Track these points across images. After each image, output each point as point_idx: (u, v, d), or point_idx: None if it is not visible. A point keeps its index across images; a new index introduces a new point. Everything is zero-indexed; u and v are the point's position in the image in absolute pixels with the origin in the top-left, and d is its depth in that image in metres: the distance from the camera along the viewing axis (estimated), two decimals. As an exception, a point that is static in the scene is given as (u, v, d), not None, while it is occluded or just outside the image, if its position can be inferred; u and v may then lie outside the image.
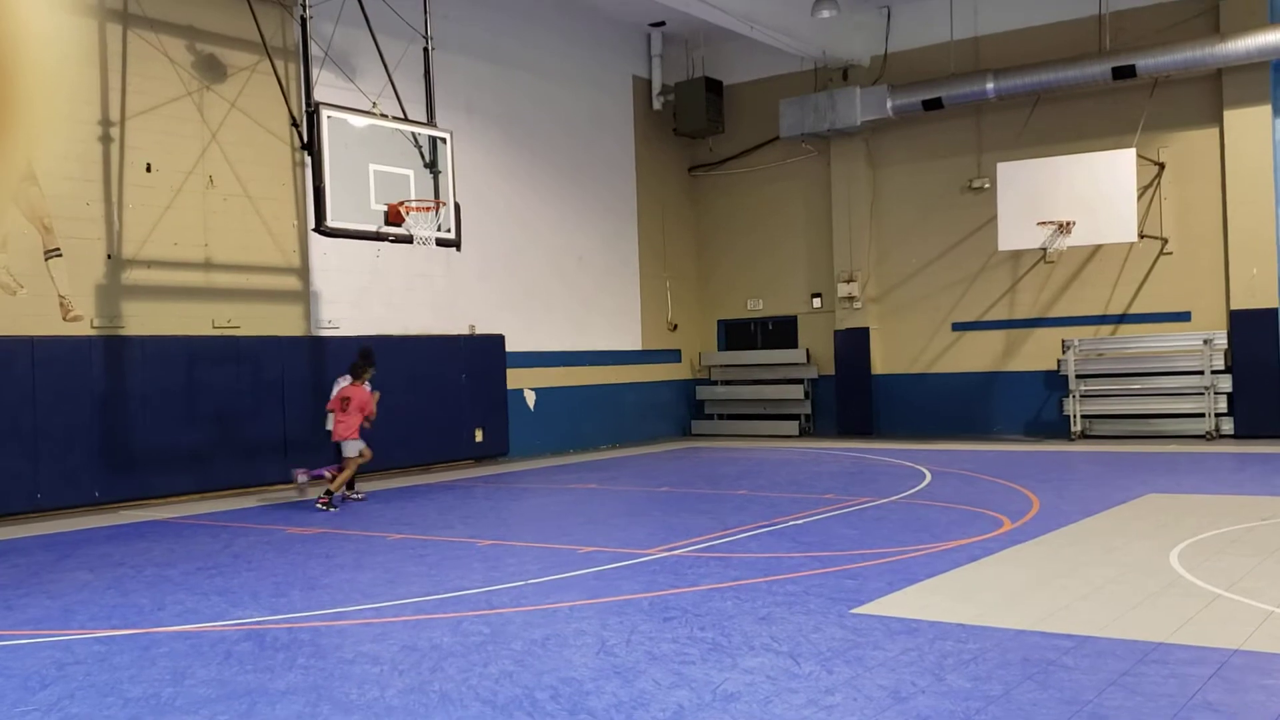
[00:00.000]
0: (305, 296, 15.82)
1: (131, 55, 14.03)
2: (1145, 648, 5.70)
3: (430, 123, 14.83)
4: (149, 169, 14.15)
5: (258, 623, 7.09)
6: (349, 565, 9.09)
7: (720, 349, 23.39)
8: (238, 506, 13.38)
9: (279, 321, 15.40)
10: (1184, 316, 18.43)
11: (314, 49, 14.17)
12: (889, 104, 19.92)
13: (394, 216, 13.81)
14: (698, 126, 22.04)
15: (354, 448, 13.01)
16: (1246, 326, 17.73)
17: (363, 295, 16.48)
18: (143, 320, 13.97)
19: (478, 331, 18.14)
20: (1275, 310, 17.55)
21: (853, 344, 21.25)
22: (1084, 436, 18.85)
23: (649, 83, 22.20)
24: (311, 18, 13.89)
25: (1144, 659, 5.50)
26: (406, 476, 16.31)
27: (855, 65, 20.98)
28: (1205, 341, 17.93)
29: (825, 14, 17.96)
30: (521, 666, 5.81)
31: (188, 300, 14.47)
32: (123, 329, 13.79)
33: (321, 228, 13.44)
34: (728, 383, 22.96)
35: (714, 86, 22.04)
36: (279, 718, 5.10)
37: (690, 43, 22.06)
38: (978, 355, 20.16)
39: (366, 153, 13.85)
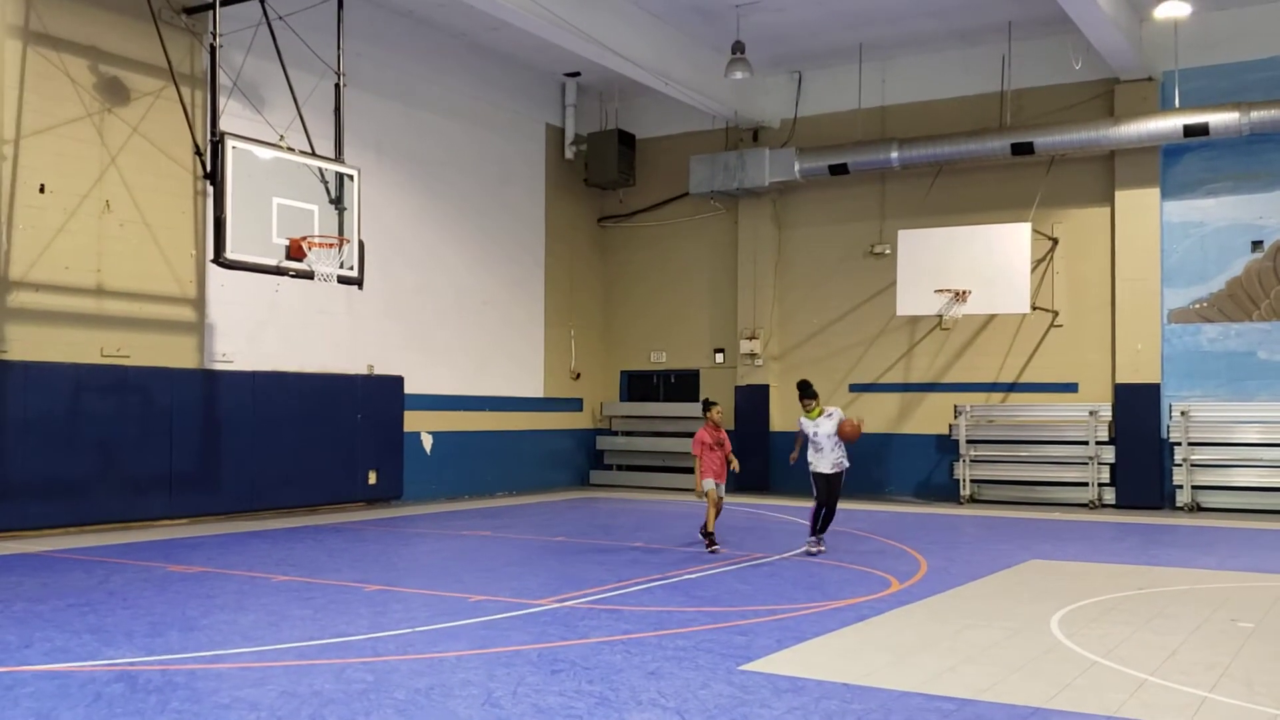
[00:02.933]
0: (200, 328, 15.44)
1: (30, 73, 13.66)
2: (1024, 712, 5.80)
3: (338, 159, 14.71)
4: (42, 189, 13.74)
5: (130, 663, 6.83)
6: (230, 606, 8.83)
7: (622, 399, 23.41)
8: (117, 541, 12.92)
9: (171, 352, 15.00)
10: (1071, 388, 19.01)
11: (222, 78, 13.99)
12: (797, 167, 20.32)
13: (296, 251, 13.63)
14: (609, 178, 22.20)
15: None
16: (1130, 400, 18.34)
17: (260, 329, 16.15)
18: (27, 345, 13.48)
19: (376, 371, 17.89)
20: (1158, 385, 18.20)
21: (753, 400, 21.45)
22: (973, 500, 19.24)
23: (562, 131, 22.32)
24: (221, 46, 13.72)
25: (1023, 723, 5.60)
26: (295, 517, 15.94)
27: (765, 127, 21.39)
28: (1091, 413, 18.50)
29: (738, 75, 18.29)
30: (404, 716, 5.67)
31: (76, 326, 14.02)
32: (5, 353, 13.28)
33: (220, 259, 13.19)
34: (628, 433, 22.97)
35: (626, 139, 22.25)
36: (145, 765, 4.90)
37: (604, 94, 22.27)
38: (873, 416, 20.45)
39: (271, 185, 13.67)
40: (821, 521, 12.23)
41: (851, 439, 12.11)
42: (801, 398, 12.34)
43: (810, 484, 12.36)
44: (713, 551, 12.27)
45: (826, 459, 12.16)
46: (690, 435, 21.94)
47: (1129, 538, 14.41)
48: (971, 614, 8.69)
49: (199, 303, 15.43)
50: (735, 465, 12.79)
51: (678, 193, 22.27)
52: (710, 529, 12.52)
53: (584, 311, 22.95)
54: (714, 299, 22.32)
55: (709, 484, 12.50)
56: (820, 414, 12.20)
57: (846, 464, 12.30)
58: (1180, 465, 17.83)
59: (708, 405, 13.01)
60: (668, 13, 18.40)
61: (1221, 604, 9.15)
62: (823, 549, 12.20)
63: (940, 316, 18.66)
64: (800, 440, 12.43)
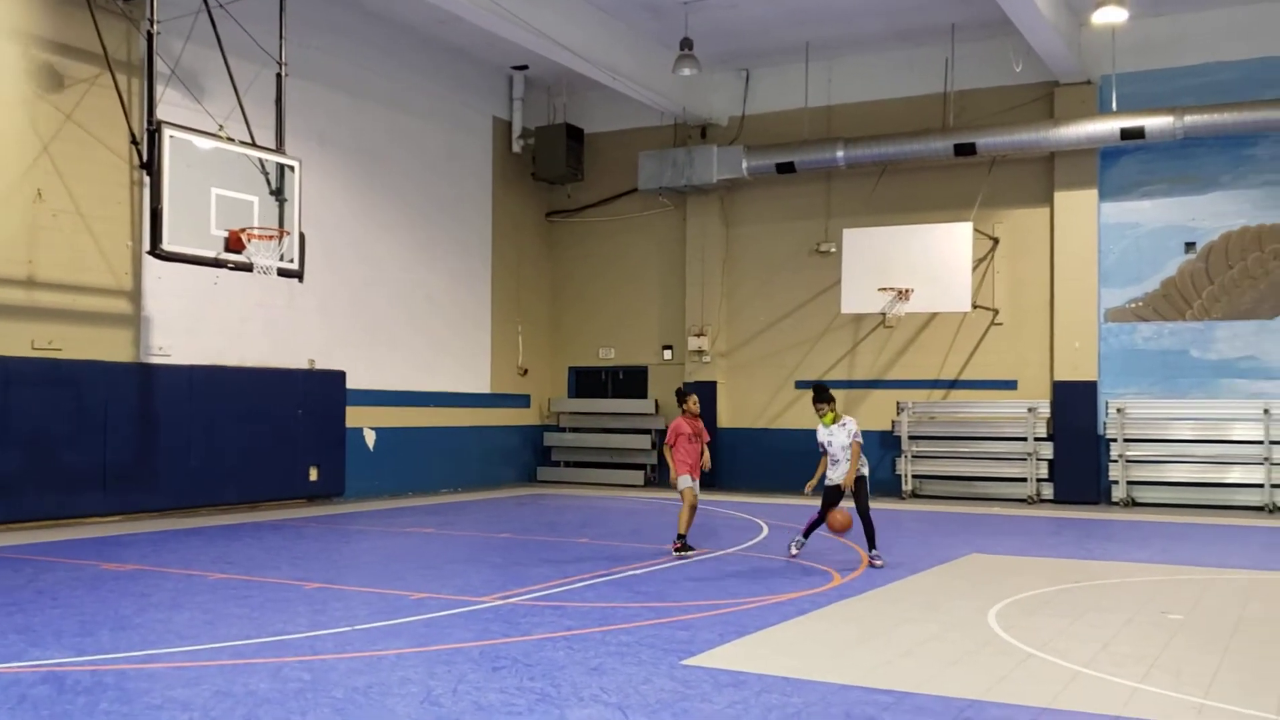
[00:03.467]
0: (135, 321, 15.17)
1: (-38, 58, 13.34)
2: (960, 704, 5.86)
3: (279, 149, 14.52)
4: (-27, 178, 13.42)
5: (58, 664, 6.68)
6: (165, 605, 8.68)
7: (570, 396, 23.36)
8: (49, 539, 12.65)
9: (105, 345, 14.71)
10: (1011, 385, 19.27)
11: (160, 65, 13.73)
12: (744, 164, 20.38)
13: (234, 243, 13.43)
14: (557, 172, 22.13)
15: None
16: (1068, 397, 18.63)
17: (197, 323, 15.89)
18: (-44, 337, 13.18)
19: (317, 366, 17.68)
20: (1095, 383, 18.50)
21: (701, 397, 21.40)
22: (914, 496, 19.44)
23: (509, 125, 22.21)
24: (159, 33, 13.48)
25: (959, 716, 5.65)
26: (234, 514, 15.72)
27: (714, 124, 21.44)
28: (1030, 410, 18.76)
29: (686, 71, 18.31)
30: (341, 715, 5.61)
31: (6, 318, 13.71)
32: (-68, 345, 12.97)
33: (157, 250, 12.96)
34: (576, 430, 22.92)
35: (575, 134, 22.19)
36: (73, 766, 4.80)
37: (553, 89, 22.19)
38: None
39: (209, 176, 13.46)
40: (866, 534, 11.08)
41: (835, 530, 11.03)
42: (814, 402, 11.37)
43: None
44: (684, 557, 11.46)
45: (839, 470, 11.13)
46: (638, 431, 22.17)
47: (1066, 532, 14.62)
48: (911, 607, 8.77)
49: (135, 295, 15.15)
50: (707, 463, 11.89)
51: (626, 188, 22.25)
52: (683, 532, 11.63)
53: (531, 307, 22.86)
54: (662, 295, 22.33)
55: (685, 480, 11.57)
56: (834, 421, 11.15)
57: (860, 471, 11.16)
58: (1116, 461, 18.15)
59: (684, 395, 12.11)
60: (616, 8, 18.37)
61: (1153, 597, 9.32)
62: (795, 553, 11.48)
63: (884, 314, 18.82)
64: (825, 459, 11.34)
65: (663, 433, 21.82)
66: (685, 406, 12.04)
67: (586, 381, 23.41)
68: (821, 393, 11.39)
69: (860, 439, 11.21)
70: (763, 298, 21.32)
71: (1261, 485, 17.27)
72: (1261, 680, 6.46)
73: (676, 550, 11.66)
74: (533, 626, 7.89)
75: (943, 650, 7.23)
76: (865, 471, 11.34)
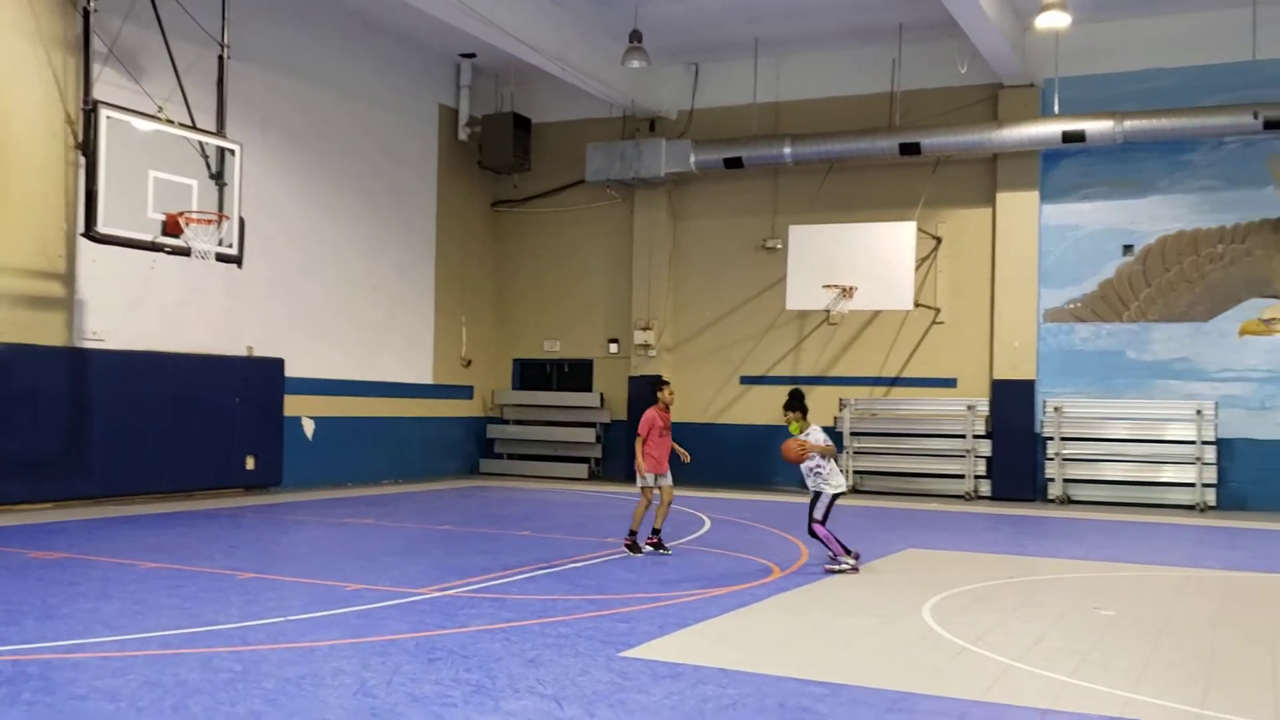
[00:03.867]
0: (69, 304, 14.84)
1: (-110, 31, 12.97)
2: (893, 697, 5.90)
3: (220, 133, 14.30)
4: (-99, 155, 13.06)
5: (-19, 653, 6.53)
6: (94, 594, 8.51)
7: (515, 388, 23.25)
8: (-25, 526, 12.36)
9: (37, 329, 14.38)
10: (951, 383, 19.49)
11: (97, 44, 13.47)
12: (692, 158, 20.39)
13: (172, 227, 13.21)
14: (503, 162, 22.00)
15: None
16: (1006, 396, 18.87)
17: (133, 307, 15.58)
18: (-120, 318, 12.81)
19: (256, 353, 17.43)
20: (1033, 382, 18.75)
21: (646, 391, 21.41)
22: (855, 491, 19.55)
23: (456, 113, 22.03)
24: (96, 10, 13.22)
25: (892, 708, 5.69)
26: (169, 503, 15.46)
27: (662, 117, 21.43)
28: (969, 408, 18.98)
29: (635, 64, 18.28)
30: (272, 706, 5.53)
31: (-65, 300, 13.37)
32: None
33: (92, 233, 12.73)
34: (520, 422, 22.82)
35: (522, 123, 22.07)
36: (-8, 757, 4.69)
37: (500, 77, 22.05)
38: (762, 408, 20.71)
39: (148, 158, 13.23)
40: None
41: (787, 457, 10.52)
42: (784, 408, 10.84)
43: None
44: (664, 552, 11.21)
45: (818, 480, 10.47)
46: (583, 425, 22.10)
47: (1002, 528, 14.82)
48: (848, 601, 8.83)
49: (68, 278, 14.82)
50: (686, 456, 11.47)
51: (573, 180, 22.17)
52: (659, 526, 11.31)
53: (476, 297, 22.72)
54: (609, 289, 22.29)
55: (651, 477, 11.17)
56: (799, 431, 10.55)
57: (820, 487, 10.46)
58: (1053, 459, 18.42)
59: (661, 384, 11.64)
60: (565, -2, 18.30)
61: (1086, 593, 9.47)
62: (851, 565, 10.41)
63: (828, 311, 18.95)
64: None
65: (608, 426, 21.93)
66: (660, 397, 11.50)
67: (531, 374, 23.32)
68: (792, 400, 10.74)
69: (829, 442, 10.56)
70: (709, 293, 21.36)
71: (1193, 484, 17.60)
72: (1188, 675, 6.58)
73: (653, 546, 11.24)
74: (470, 618, 7.83)
75: (878, 643, 7.29)
76: (833, 490, 10.44)
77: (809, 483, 10.54)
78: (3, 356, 13.84)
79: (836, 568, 10.28)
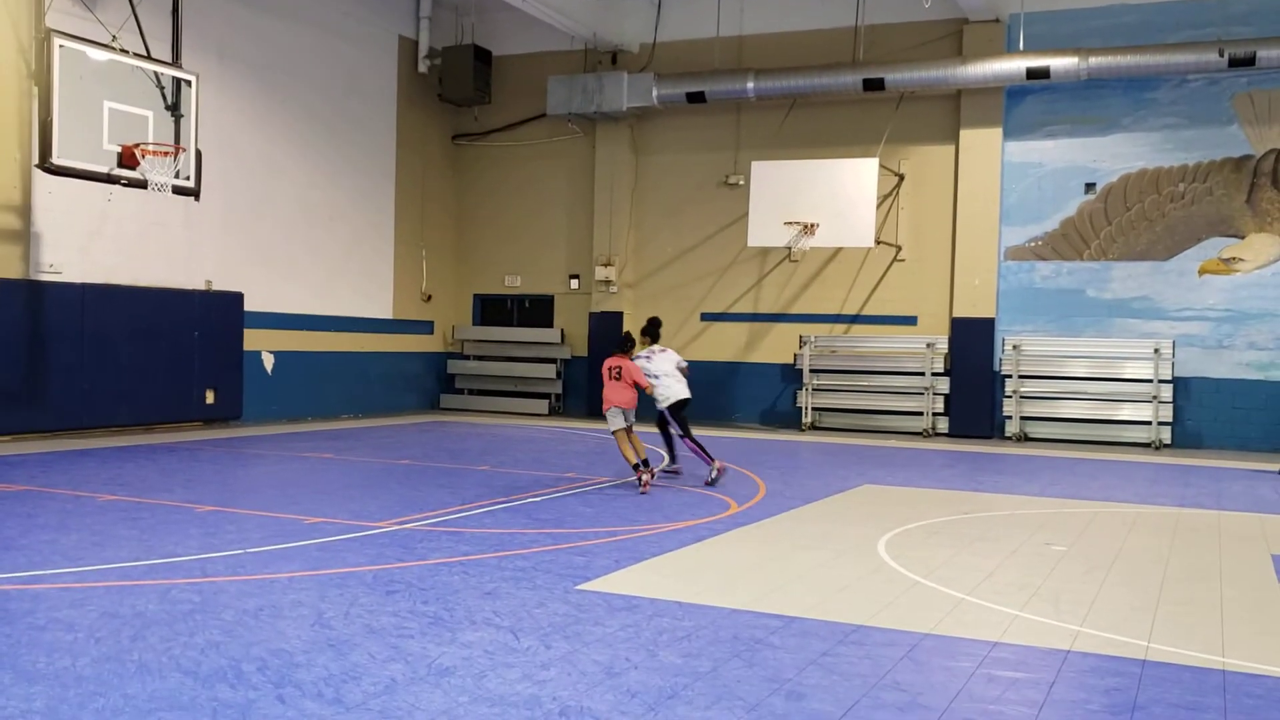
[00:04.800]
0: (25, 237, 14.60)
1: None
2: (846, 629, 6.02)
3: (175, 63, 14.02)
4: None
5: (-64, 586, 6.51)
6: (52, 526, 8.48)
7: (475, 323, 23.19)
8: (-71, 459, 12.25)
9: (-9, 261, 14.16)
10: (911, 320, 19.62)
11: (47, -31, 13.11)
12: (654, 92, 20.21)
13: (128, 159, 13.00)
14: (464, 94, 21.71)
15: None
16: (966, 333, 19.04)
17: (91, 240, 15.35)
18: None
19: (214, 287, 17.24)
20: (992, 320, 18.92)
21: (607, 327, 21.47)
22: (814, 428, 19.78)
23: (415, 44, 21.68)
24: (46, -65, 12.85)
25: (844, 640, 5.81)
26: (127, 436, 15.36)
27: (624, 50, 21.19)
28: (928, 345, 19.14)
29: (598, -4, 18.06)
30: (230, 637, 5.56)
31: (-117, 230, 13.10)
32: None
33: (46, 164, 12.52)
34: (480, 358, 22.78)
35: (483, 55, 21.76)
36: (-52, 689, 4.69)
37: (460, 8, 21.69)
38: (723, 345, 20.80)
39: (102, 89, 12.96)
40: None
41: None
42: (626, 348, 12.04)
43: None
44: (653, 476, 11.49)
45: (662, 389, 12.01)
46: (544, 361, 22.11)
47: (959, 465, 15.03)
48: (804, 536, 8.96)
49: (24, 210, 14.56)
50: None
51: (535, 113, 21.94)
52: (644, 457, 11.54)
53: (436, 231, 22.54)
54: (570, 224, 22.18)
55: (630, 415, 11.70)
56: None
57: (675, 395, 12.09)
58: (1010, 397, 18.64)
59: (631, 340, 12.31)
60: (527, -73, 17.96)
61: (1039, 528, 9.65)
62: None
63: (789, 248, 18.97)
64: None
65: (568, 362, 21.94)
66: (631, 352, 12.17)
67: (492, 309, 23.25)
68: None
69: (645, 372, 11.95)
70: (671, 229, 21.31)
71: (1150, 423, 17.89)
72: (1135, 610, 6.75)
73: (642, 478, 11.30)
74: (428, 551, 7.89)
75: (832, 577, 7.41)
76: (660, 404, 12.09)
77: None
78: (-46, 289, 13.62)
79: (712, 477, 11.79)
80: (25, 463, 12.25)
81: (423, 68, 21.69)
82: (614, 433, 11.65)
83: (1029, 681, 5.20)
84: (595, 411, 21.20)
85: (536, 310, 22.73)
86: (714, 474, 11.80)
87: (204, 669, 5.04)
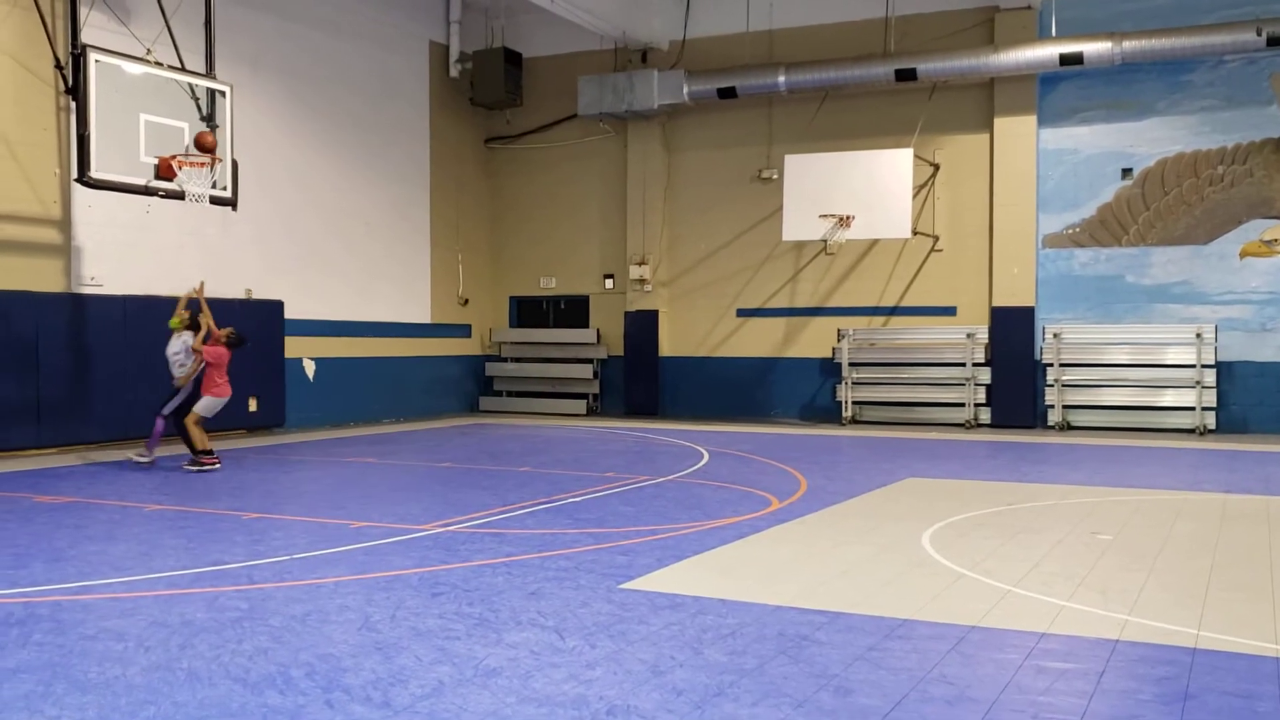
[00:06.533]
0: (66, 250, 14.81)
1: None
2: (892, 624, 5.99)
3: (209, 74, 14.15)
4: (-112, 103, 12.94)
5: (-9, 597, 6.62)
6: (100, 536, 8.60)
7: (512, 326, 23.27)
8: (-20, 473, 12.45)
9: (35, 276, 14.37)
10: (950, 311, 19.48)
11: (83, -14, 13.28)
12: (685, 90, 20.20)
13: (165, 170, 13.13)
14: (495, 98, 21.77)
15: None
16: (1006, 323, 18.88)
17: (130, 252, 15.55)
18: (-125, 268, 12.79)
19: (254, 296, 17.42)
20: (1032, 309, 18.75)
21: (642, 326, 21.51)
22: (854, 422, 19.68)
23: (446, 49, 21.78)
24: (80, -48, 13.01)
25: (890, 634, 5.78)
26: (170, 445, 15.50)
27: (654, 48, 21.18)
28: (968, 335, 19.00)
29: (626, -6, 18.07)
30: (278, 643, 5.61)
31: (-71, 248, 13.33)
32: None
33: (85, 178, 12.67)
34: (518, 360, 22.87)
35: (513, 58, 21.82)
36: (6, 698, 4.76)
37: (490, 11, 21.76)
38: (759, 341, 20.75)
39: (138, 102, 13.10)
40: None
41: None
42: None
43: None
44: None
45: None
46: (580, 361, 22.16)
47: (1002, 456, 14.91)
48: (847, 531, 8.92)
49: (64, 224, 14.78)
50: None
51: (566, 114, 21.98)
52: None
53: (471, 235, 22.63)
54: (603, 224, 22.20)
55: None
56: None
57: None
58: (1052, 386, 18.47)
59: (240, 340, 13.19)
60: (554, -72, 17.98)
61: (1084, 518, 9.55)
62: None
63: (825, 241, 18.89)
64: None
65: (605, 362, 21.97)
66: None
67: (528, 311, 23.32)
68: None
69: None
70: (704, 225, 21.28)
71: (1193, 408, 17.67)
72: (1184, 597, 6.66)
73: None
74: (472, 553, 7.92)
75: (876, 571, 7.37)
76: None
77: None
78: (3, 304, 13.84)
79: (141, 460, 12.85)
80: (73, 474, 12.43)
81: (454, 72, 21.79)
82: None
83: (1078, 672, 5.15)
84: (633, 411, 21.25)
85: (572, 311, 22.77)
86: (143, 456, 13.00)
87: (253, 675, 5.08)
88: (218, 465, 12.70)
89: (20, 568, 7.43)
